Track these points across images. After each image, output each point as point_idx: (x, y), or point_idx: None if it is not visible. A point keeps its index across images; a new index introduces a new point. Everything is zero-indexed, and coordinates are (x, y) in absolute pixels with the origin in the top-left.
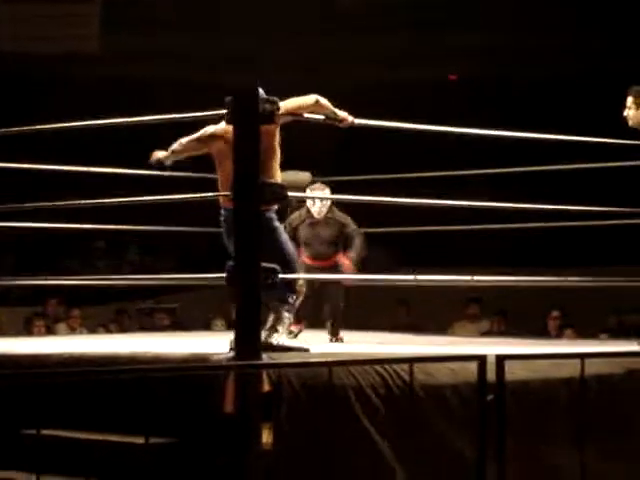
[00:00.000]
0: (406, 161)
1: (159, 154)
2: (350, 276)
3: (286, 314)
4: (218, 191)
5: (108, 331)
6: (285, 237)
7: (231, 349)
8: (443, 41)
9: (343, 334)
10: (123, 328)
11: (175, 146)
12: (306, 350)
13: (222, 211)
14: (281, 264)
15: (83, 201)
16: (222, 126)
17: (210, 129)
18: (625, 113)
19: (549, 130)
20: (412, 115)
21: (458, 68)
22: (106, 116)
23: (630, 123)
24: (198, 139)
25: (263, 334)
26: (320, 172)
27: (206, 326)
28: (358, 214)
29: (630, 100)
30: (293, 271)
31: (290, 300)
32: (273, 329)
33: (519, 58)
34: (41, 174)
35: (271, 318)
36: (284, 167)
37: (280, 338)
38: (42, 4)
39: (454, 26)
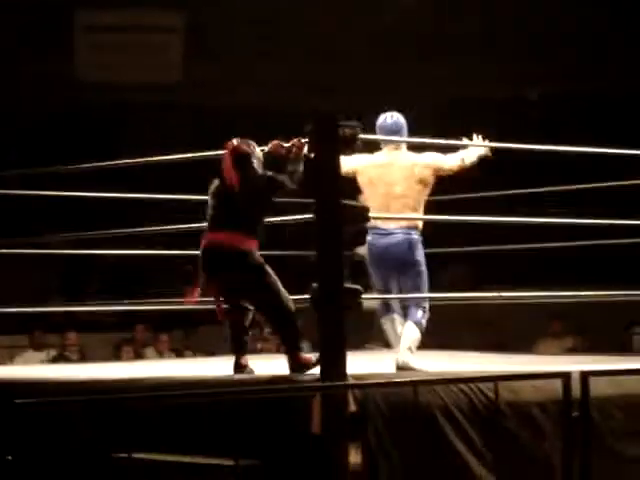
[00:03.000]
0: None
1: None
2: (435, 295)
3: (419, 335)
4: None
5: (195, 355)
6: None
7: (315, 363)
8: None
9: (428, 354)
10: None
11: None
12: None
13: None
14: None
15: (171, 226)
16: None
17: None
18: None
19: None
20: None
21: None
22: (189, 145)
23: None
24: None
25: (402, 357)
26: None
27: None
28: (437, 234)
29: None
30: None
31: (424, 321)
32: (410, 350)
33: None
34: (126, 202)
35: (404, 339)
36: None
37: (414, 359)
38: (125, 33)
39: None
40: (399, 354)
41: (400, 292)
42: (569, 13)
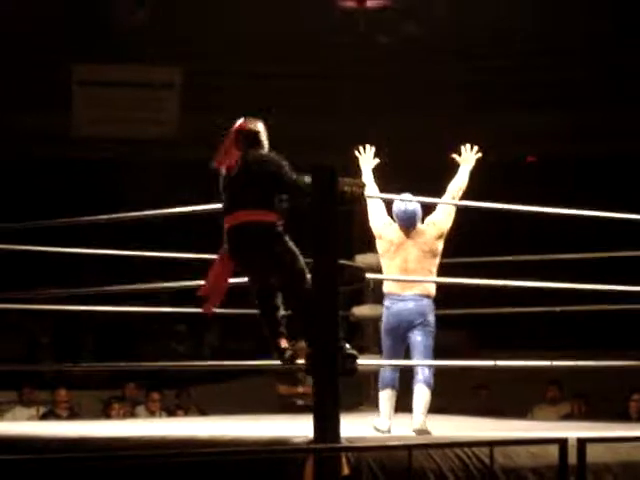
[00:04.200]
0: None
1: None
2: (434, 362)
3: (430, 396)
4: None
5: (187, 414)
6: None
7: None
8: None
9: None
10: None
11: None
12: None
13: None
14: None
15: (162, 284)
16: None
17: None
18: None
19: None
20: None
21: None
22: (186, 201)
23: None
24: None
25: (418, 422)
26: None
27: (285, 408)
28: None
29: None
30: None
31: (432, 381)
32: (424, 414)
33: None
34: (119, 258)
35: (418, 403)
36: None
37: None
38: (121, 88)
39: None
40: (415, 419)
41: (408, 353)
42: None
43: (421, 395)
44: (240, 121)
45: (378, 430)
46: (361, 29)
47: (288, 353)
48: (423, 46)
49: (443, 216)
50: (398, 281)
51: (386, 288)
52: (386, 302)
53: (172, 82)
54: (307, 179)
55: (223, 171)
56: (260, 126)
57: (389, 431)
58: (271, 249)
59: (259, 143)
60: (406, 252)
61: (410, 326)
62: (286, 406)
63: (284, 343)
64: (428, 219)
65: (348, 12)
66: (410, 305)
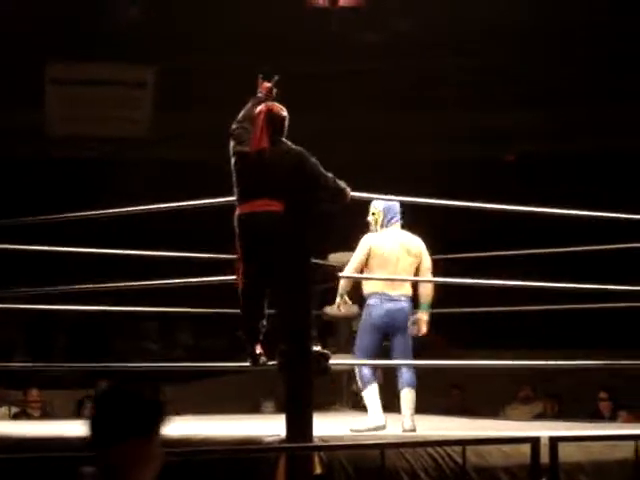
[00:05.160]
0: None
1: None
2: (408, 362)
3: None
4: None
5: None
6: None
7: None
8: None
9: (395, 417)
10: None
11: (343, 285)
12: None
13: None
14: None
15: (134, 283)
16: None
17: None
18: None
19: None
20: (461, 195)
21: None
22: (159, 198)
23: None
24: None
25: (409, 422)
26: None
27: (255, 408)
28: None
29: None
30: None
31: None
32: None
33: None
34: (91, 257)
35: (408, 405)
36: (338, 249)
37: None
38: (94, 87)
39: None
40: (405, 420)
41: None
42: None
43: (410, 398)
44: (267, 104)
45: (377, 428)
46: (333, 28)
47: (262, 359)
48: (410, 42)
49: (427, 261)
50: (386, 280)
51: (372, 287)
52: (372, 301)
53: (145, 81)
54: (342, 183)
55: (246, 152)
56: (285, 113)
57: (386, 426)
58: (284, 240)
59: (283, 130)
60: (394, 252)
61: (398, 326)
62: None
63: (259, 349)
64: (420, 245)
65: (320, 10)
66: (402, 305)
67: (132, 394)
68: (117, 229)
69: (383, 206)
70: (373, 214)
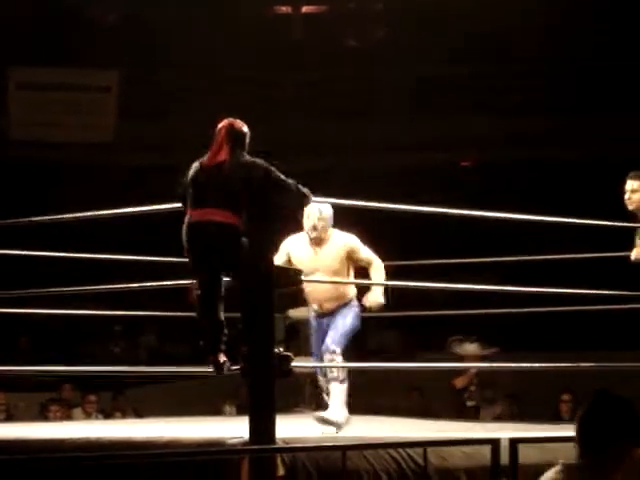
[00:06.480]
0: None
1: None
2: (369, 365)
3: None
4: None
5: (124, 416)
6: None
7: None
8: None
9: (356, 419)
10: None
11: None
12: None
13: None
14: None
15: (99, 287)
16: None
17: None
18: (627, 197)
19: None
20: (421, 200)
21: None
22: (122, 203)
23: (631, 207)
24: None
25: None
26: None
27: (216, 411)
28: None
29: (635, 184)
30: None
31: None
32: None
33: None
34: (56, 261)
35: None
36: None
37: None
38: (57, 92)
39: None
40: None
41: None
42: None
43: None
44: (229, 119)
45: (347, 421)
46: (297, 36)
47: (226, 366)
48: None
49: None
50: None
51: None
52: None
53: (109, 86)
54: (304, 189)
55: (198, 165)
56: (247, 129)
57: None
58: (233, 250)
59: (244, 145)
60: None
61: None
62: (458, 406)
63: (222, 358)
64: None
65: (282, 15)
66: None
67: (625, 403)
68: (80, 233)
69: (331, 212)
70: (321, 219)
